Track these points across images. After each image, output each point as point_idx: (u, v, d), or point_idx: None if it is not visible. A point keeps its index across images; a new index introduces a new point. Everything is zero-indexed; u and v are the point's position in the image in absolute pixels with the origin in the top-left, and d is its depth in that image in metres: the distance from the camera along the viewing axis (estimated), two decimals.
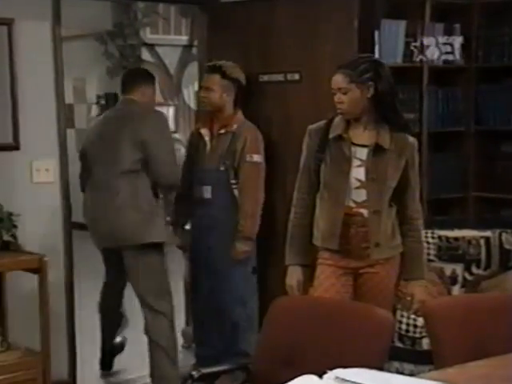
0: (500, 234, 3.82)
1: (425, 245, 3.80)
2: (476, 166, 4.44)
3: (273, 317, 2.58)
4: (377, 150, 3.02)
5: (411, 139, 3.11)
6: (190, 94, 9.01)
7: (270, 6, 4.09)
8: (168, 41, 8.93)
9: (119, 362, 4.66)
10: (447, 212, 4.44)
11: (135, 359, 4.60)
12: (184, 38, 8.86)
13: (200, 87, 4.23)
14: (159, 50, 8.92)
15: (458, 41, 4.20)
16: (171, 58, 8.95)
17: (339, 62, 3.11)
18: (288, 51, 4.02)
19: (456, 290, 3.79)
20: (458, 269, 3.81)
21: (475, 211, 4.44)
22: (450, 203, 4.45)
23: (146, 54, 8.92)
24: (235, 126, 3.94)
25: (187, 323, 4.98)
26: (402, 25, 4.15)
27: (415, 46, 4.12)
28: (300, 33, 3.98)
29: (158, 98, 9.05)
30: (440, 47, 4.12)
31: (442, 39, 4.14)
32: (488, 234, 3.84)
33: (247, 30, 4.19)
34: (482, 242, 3.82)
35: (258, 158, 3.91)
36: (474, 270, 3.81)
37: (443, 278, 3.82)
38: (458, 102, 4.41)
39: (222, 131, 3.96)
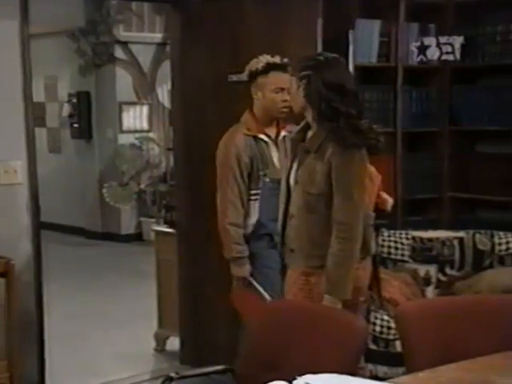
0: (474, 235, 3.81)
1: (398, 246, 3.80)
2: (450, 166, 4.43)
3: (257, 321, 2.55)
4: (306, 152, 2.96)
5: (333, 144, 2.89)
6: (163, 92, 8.94)
7: (240, 6, 4.06)
8: (142, 38, 8.84)
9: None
10: (422, 212, 4.43)
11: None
12: (158, 36, 8.78)
13: (278, 89, 3.51)
14: (133, 47, 8.84)
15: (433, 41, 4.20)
16: (145, 56, 8.87)
17: None
18: (256, 51, 3.98)
19: (430, 291, 3.77)
20: (432, 270, 3.79)
21: (450, 212, 4.43)
22: (424, 204, 4.44)
23: (119, 52, 8.82)
24: (289, 127, 3.58)
25: (160, 326, 4.93)
26: (376, 24, 4.13)
27: (388, 44, 4.12)
28: (267, 33, 3.96)
29: (132, 96, 9.00)
30: (440, 48, 4.11)
31: (442, 40, 4.13)
32: (462, 234, 3.82)
33: (219, 30, 4.16)
34: (456, 242, 3.80)
35: None
36: (448, 270, 3.79)
37: (417, 279, 3.80)
38: (432, 102, 4.40)
39: (285, 133, 3.57)
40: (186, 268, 4.59)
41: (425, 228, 3.95)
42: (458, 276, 3.78)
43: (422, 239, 3.81)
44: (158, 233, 5.17)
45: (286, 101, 3.43)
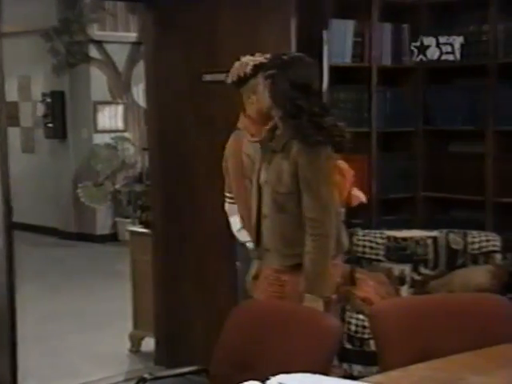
0: (447, 234, 3.84)
1: (373, 245, 3.82)
2: (424, 166, 4.46)
3: (233, 321, 2.56)
4: (273, 152, 2.96)
5: (298, 144, 2.88)
6: (139, 91, 8.89)
7: (214, 5, 4.05)
8: (116, 38, 8.80)
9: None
10: (396, 212, 4.45)
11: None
12: (133, 35, 8.74)
13: None
14: (107, 46, 8.78)
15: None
16: (120, 56, 8.82)
17: None
18: (230, 51, 3.97)
19: (404, 290, 3.79)
20: (407, 269, 3.82)
21: (424, 211, 4.46)
22: (398, 203, 4.46)
23: (93, 51, 8.76)
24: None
25: (135, 326, 4.90)
26: (350, 25, 4.14)
27: (362, 44, 4.13)
28: (241, 33, 3.95)
29: (107, 96, 8.94)
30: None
31: (442, 40, 4.15)
32: (435, 234, 3.85)
33: (193, 29, 4.14)
34: (430, 242, 3.82)
35: None
36: (422, 270, 3.82)
37: (392, 278, 3.82)
38: (406, 102, 4.42)
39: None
40: (161, 268, 4.57)
41: (399, 227, 3.97)
42: (432, 275, 3.80)
43: (396, 239, 3.83)
44: (133, 233, 5.14)
45: None
